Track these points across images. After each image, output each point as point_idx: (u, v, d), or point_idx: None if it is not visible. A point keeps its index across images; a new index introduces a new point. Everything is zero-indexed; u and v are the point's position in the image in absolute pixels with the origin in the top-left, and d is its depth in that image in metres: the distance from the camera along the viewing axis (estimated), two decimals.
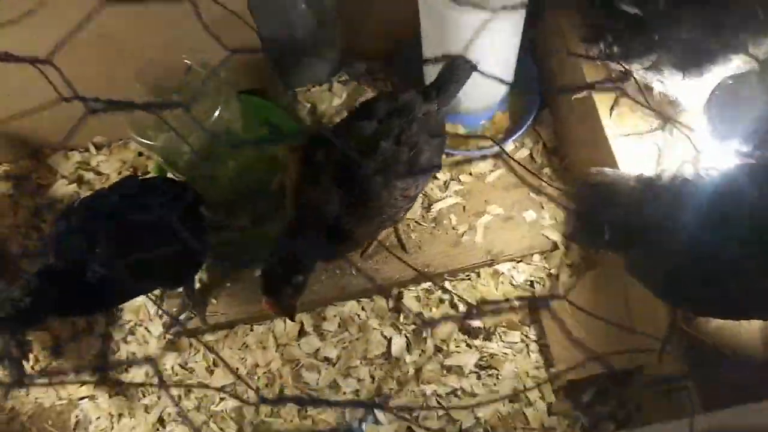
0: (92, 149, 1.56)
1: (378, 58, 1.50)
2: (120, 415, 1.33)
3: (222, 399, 1.32)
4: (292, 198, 1.00)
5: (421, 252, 1.30)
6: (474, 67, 1.06)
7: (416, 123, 1.04)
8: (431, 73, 1.20)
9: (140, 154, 1.53)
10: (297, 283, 0.95)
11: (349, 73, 1.50)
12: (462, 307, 1.31)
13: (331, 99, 1.48)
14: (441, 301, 1.33)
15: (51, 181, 1.53)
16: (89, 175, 1.53)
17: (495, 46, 1.14)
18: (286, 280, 0.94)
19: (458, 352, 1.29)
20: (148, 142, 1.06)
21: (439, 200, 1.35)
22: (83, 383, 1.36)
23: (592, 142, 1.19)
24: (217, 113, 1.04)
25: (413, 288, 1.34)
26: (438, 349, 1.30)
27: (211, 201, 1.29)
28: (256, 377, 1.33)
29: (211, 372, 1.34)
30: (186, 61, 1.08)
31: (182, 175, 1.26)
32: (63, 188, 1.51)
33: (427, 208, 1.35)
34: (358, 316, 1.35)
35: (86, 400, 1.36)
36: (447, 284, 1.32)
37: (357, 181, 0.96)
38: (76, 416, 1.35)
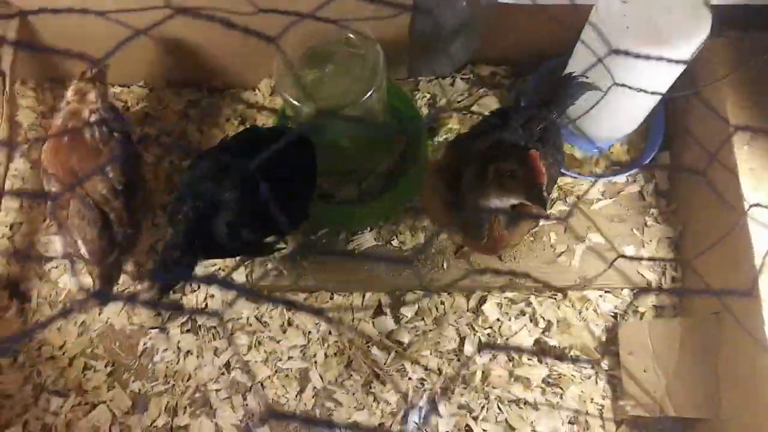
0: (205, 91, 1.61)
1: (504, 64, 1.53)
2: (188, 353, 1.38)
3: (290, 358, 1.36)
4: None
5: (514, 262, 1.35)
6: (592, 88, 1.11)
7: (551, 134, 1.08)
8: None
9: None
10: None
11: (474, 72, 1.54)
12: (542, 323, 1.35)
13: (453, 94, 1.52)
14: (522, 313, 1.37)
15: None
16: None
17: (641, 92, 1.18)
18: None
19: (528, 365, 1.34)
20: (294, 101, 1.10)
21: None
22: (158, 313, 1.40)
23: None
24: (371, 92, 1.08)
25: (497, 295, 1.38)
26: (509, 358, 1.34)
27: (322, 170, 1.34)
28: (326, 345, 1.37)
29: (284, 331, 1.39)
30: (350, 35, 1.12)
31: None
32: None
33: None
34: (436, 308, 1.39)
35: (157, 330, 1.39)
36: (533, 298, 1.36)
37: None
38: (144, 344, 1.39)
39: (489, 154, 0.93)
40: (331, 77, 1.15)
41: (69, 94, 1.27)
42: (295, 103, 1.11)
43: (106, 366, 1.38)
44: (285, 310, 1.41)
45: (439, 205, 1.06)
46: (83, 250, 1.21)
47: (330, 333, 1.40)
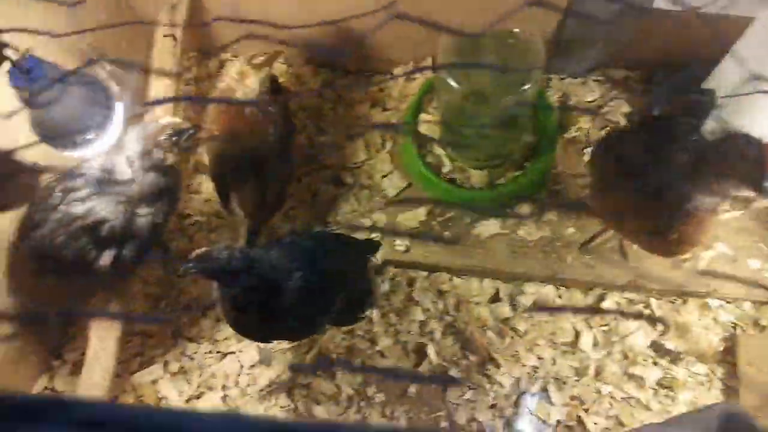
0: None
1: (638, 69, 1.57)
2: None
3: (409, 332, 1.43)
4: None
5: (640, 263, 1.39)
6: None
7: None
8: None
9: None
10: None
11: (606, 75, 1.58)
12: (659, 326, 1.38)
13: (584, 94, 1.56)
14: (640, 315, 1.40)
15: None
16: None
17: None
18: None
19: (643, 365, 1.37)
20: (456, 86, 1.16)
21: None
22: None
23: None
24: (529, 85, 1.14)
25: (617, 294, 1.42)
26: (624, 356, 1.38)
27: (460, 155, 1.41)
28: (443, 323, 1.44)
29: (405, 306, 1.46)
30: (514, 29, 1.18)
31: (443, 118, 1.38)
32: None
33: None
34: (554, 301, 1.44)
35: None
36: (652, 300, 1.39)
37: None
38: None
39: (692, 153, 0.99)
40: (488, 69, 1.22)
41: (231, 71, 1.37)
42: (454, 84, 1.18)
43: None
44: (406, 285, 1.49)
45: (613, 203, 1.12)
46: (237, 206, 1.32)
47: (448, 313, 1.47)
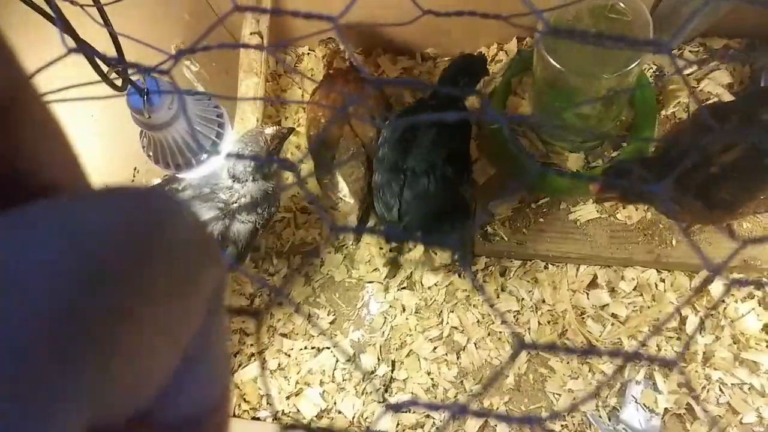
0: (418, 58, 1.69)
1: (738, 37, 1.51)
2: (404, 308, 1.48)
3: (504, 322, 1.43)
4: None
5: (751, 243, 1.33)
6: None
7: None
8: None
9: None
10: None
11: (704, 44, 1.52)
12: None
13: (681, 66, 1.51)
14: (751, 296, 1.37)
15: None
16: None
17: None
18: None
19: (757, 349, 1.34)
20: (556, 65, 1.15)
21: None
22: (375, 269, 1.51)
23: None
24: (635, 64, 1.12)
25: (724, 275, 1.38)
26: (735, 340, 1.35)
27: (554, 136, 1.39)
28: (539, 312, 1.43)
29: (498, 295, 1.46)
30: (619, 3, 1.15)
31: (537, 99, 1.37)
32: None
33: None
34: (656, 285, 1.42)
35: (374, 284, 1.51)
36: (765, 281, 1.35)
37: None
38: (362, 297, 1.51)
39: None
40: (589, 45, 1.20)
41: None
42: (554, 64, 1.16)
43: (328, 314, 1.52)
44: (499, 275, 1.49)
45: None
46: (345, 191, 1.35)
47: (543, 301, 1.46)
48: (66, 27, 0.65)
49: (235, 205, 1.13)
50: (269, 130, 1.14)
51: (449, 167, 1.28)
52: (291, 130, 1.15)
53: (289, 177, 1.64)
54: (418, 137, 1.29)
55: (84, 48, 0.69)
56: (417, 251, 1.53)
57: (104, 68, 0.75)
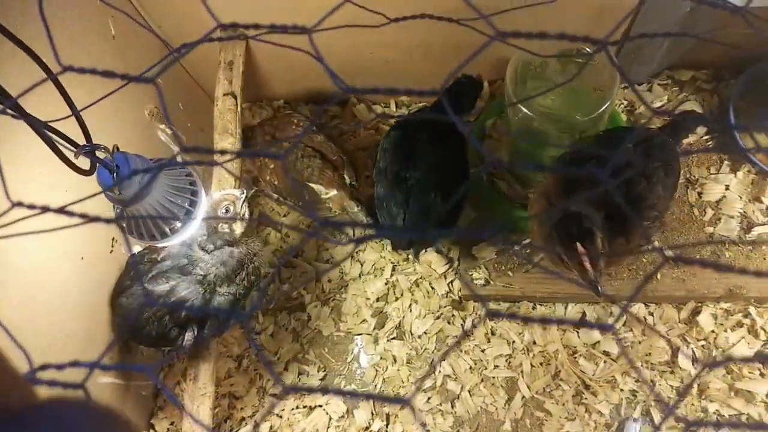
0: (392, 106, 1.72)
1: (704, 68, 1.56)
2: (395, 359, 1.48)
3: (496, 367, 1.44)
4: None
5: (733, 272, 1.36)
6: None
7: None
8: None
9: None
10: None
11: (672, 78, 1.57)
12: (763, 335, 1.36)
13: (651, 100, 1.56)
14: (740, 324, 1.39)
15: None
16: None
17: None
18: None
19: (750, 378, 1.35)
20: (528, 113, 1.17)
21: (761, 224, 1.41)
22: (364, 320, 1.52)
23: None
24: (606, 106, 1.15)
25: (711, 305, 1.40)
26: (728, 371, 1.36)
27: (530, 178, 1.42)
28: (531, 354, 1.44)
29: (489, 339, 1.47)
30: (583, 47, 1.19)
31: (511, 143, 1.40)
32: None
33: (746, 230, 1.41)
34: (645, 319, 1.43)
35: (363, 336, 1.51)
36: (752, 309, 1.37)
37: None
38: (352, 350, 1.51)
39: None
40: (560, 90, 1.23)
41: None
42: (527, 112, 1.19)
43: (318, 371, 1.51)
44: (488, 319, 1.50)
45: None
46: (321, 188, 1.46)
47: (534, 343, 1.47)
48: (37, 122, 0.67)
49: (211, 275, 1.14)
50: (216, 195, 1.16)
51: (452, 181, 1.33)
52: (245, 190, 1.15)
53: (271, 233, 1.66)
54: (417, 148, 1.33)
55: (47, 138, 0.70)
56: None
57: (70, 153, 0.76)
